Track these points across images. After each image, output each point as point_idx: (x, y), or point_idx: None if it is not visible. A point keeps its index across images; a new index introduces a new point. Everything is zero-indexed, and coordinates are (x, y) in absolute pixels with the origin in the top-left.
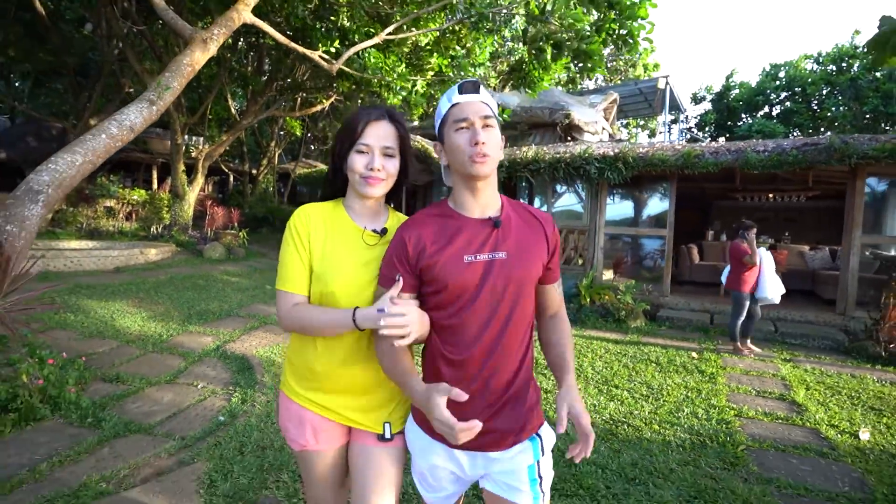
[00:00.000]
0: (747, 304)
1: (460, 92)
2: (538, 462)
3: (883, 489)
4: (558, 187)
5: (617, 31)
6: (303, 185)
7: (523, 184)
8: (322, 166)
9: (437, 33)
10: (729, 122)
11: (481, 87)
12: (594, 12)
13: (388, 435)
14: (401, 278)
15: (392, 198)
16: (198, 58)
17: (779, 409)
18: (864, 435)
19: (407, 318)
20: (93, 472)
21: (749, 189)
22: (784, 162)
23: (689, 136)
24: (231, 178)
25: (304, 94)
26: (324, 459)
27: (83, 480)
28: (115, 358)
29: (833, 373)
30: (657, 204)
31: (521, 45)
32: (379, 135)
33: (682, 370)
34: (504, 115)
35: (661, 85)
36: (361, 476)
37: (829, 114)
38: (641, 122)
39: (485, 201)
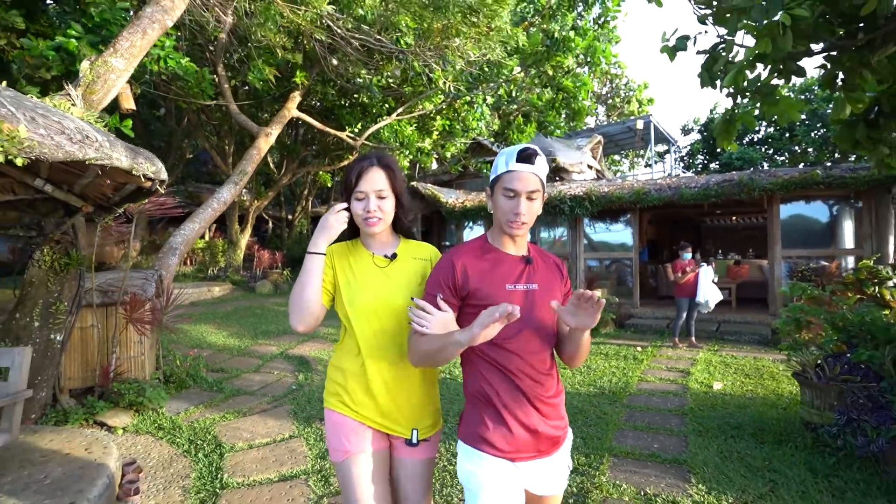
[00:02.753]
0: (686, 308)
1: (518, 160)
2: (569, 454)
3: (692, 406)
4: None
5: (565, 108)
6: None
7: None
8: None
9: (440, 103)
10: (717, 150)
11: (537, 157)
12: (550, 93)
13: (415, 440)
14: (440, 297)
15: (400, 228)
16: (262, 147)
17: (673, 377)
18: (717, 385)
19: (430, 317)
20: (228, 409)
21: (724, 213)
22: (709, 195)
23: (682, 164)
24: (270, 224)
25: (333, 154)
26: (360, 463)
27: (223, 413)
28: (215, 358)
29: (739, 356)
30: (642, 230)
31: (502, 112)
32: (371, 180)
33: (621, 359)
34: None
35: (639, 126)
36: (397, 486)
37: (802, 139)
38: (640, 154)
39: (519, 243)
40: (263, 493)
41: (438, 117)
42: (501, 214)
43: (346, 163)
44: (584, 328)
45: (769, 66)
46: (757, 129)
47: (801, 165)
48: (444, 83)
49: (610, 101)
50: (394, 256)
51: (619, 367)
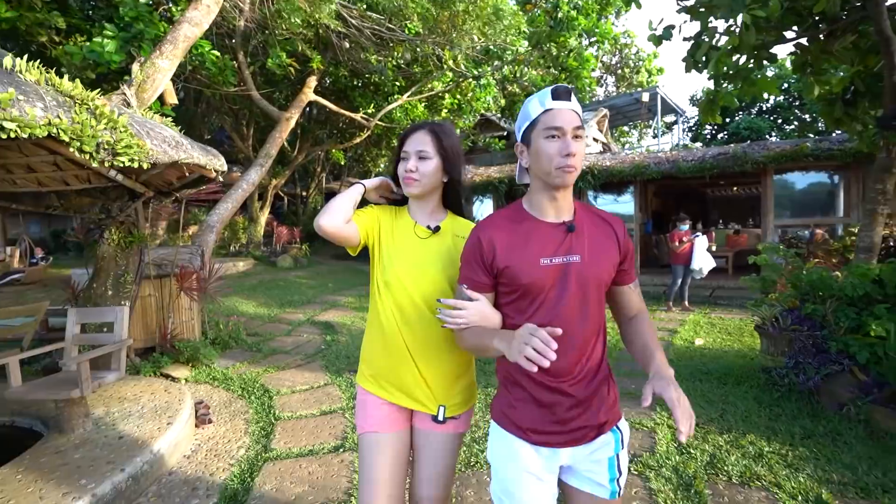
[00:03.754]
0: (680, 275)
1: (554, 97)
2: (618, 455)
3: (671, 357)
4: None
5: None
6: None
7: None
8: None
9: (449, 82)
10: (726, 120)
11: (573, 94)
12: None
13: (441, 417)
14: (465, 288)
15: (450, 200)
16: (284, 130)
17: (661, 335)
18: (699, 341)
19: (463, 312)
20: (268, 365)
21: (727, 184)
22: (705, 168)
23: (690, 135)
24: (285, 201)
25: (346, 134)
26: (378, 443)
27: (265, 368)
28: (249, 325)
29: (726, 318)
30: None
31: (507, 92)
32: (415, 142)
33: None
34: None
35: (644, 98)
36: (419, 456)
37: (810, 108)
38: (649, 125)
39: (561, 206)
40: (310, 423)
41: (447, 96)
42: (547, 161)
43: (357, 140)
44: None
45: (745, 54)
46: (766, 98)
47: (809, 134)
48: (453, 63)
49: (619, 71)
50: (437, 229)
51: (613, 328)
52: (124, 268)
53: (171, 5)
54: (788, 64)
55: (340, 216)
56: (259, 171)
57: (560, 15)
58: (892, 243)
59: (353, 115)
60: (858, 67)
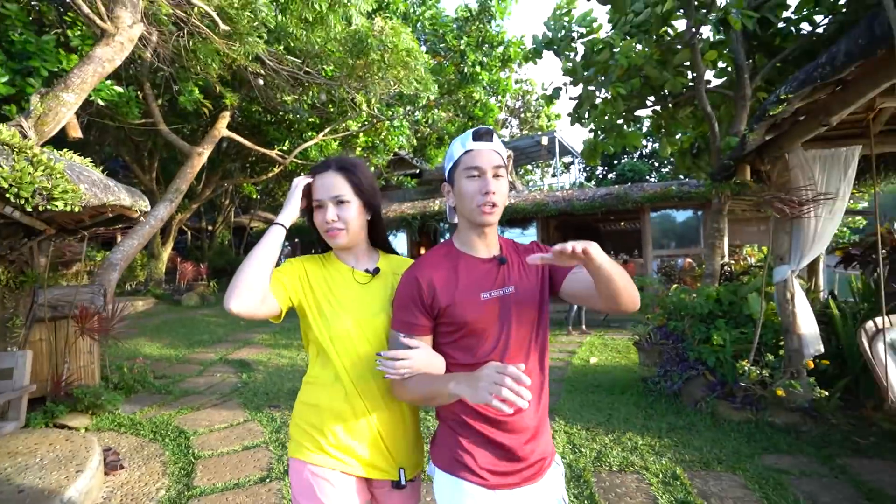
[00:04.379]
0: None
1: (475, 138)
2: (563, 487)
3: (569, 374)
4: None
5: None
6: (256, 238)
7: (441, 226)
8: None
9: (363, 122)
10: (614, 162)
11: (494, 135)
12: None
13: (403, 481)
14: (403, 337)
15: (377, 240)
16: (195, 165)
17: (562, 356)
18: (593, 360)
19: (405, 362)
20: (181, 406)
21: (616, 219)
22: (594, 206)
23: (585, 174)
24: (189, 235)
25: (258, 167)
26: None
27: (178, 409)
28: (155, 367)
29: (617, 338)
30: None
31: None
32: (326, 186)
33: None
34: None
35: (544, 141)
36: None
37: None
38: (549, 165)
39: (490, 241)
40: (233, 458)
41: (362, 135)
42: (468, 201)
43: (269, 175)
44: (585, 261)
45: (616, 115)
46: (645, 145)
47: (681, 177)
48: (367, 106)
49: (522, 115)
50: (376, 271)
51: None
52: (12, 310)
53: (67, 30)
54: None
55: (255, 295)
56: (168, 207)
57: (466, 70)
58: (727, 269)
59: (267, 151)
60: (698, 130)
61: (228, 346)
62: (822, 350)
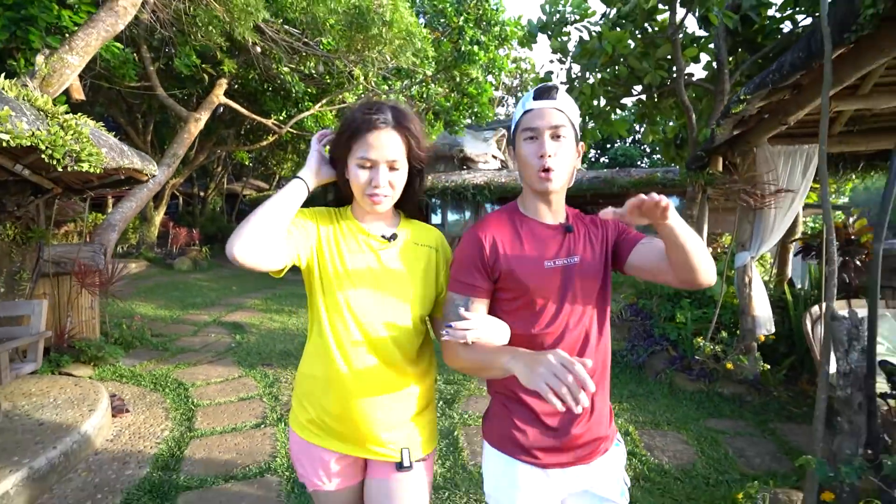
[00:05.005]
0: None
1: (535, 97)
2: (623, 468)
3: None
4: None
5: (469, 110)
6: (249, 206)
7: (433, 201)
8: (267, 189)
9: (360, 94)
10: (607, 146)
11: (560, 91)
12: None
13: (406, 462)
14: (472, 301)
15: (406, 203)
16: (192, 131)
17: None
18: None
19: (471, 330)
20: (178, 362)
21: (605, 202)
22: (582, 189)
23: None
24: (180, 200)
25: (252, 135)
26: (338, 500)
27: (175, 364)
28: (151, 326)
29: None
30: None
31: (415, 109)
32: (383, 147)
33: None
34: None
35: None
36: None
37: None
38: None
39: (556, 209)
40: (230, 408)
41: None
42: (525, 166)
43: (264, 144)
44: (660, 219)
45: (602, 101)
46: (638, 131)
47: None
48: (364, 79)
49: (519, 94)
50: (393, 237)
51: None
52: (20, 264)
53: None
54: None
55: (262, 244)
56: (166, 172)
57: (463, 48)
58: None
59: (263, 120)
60: (681, 121)
61: (221, 310)
62: (773, 330)
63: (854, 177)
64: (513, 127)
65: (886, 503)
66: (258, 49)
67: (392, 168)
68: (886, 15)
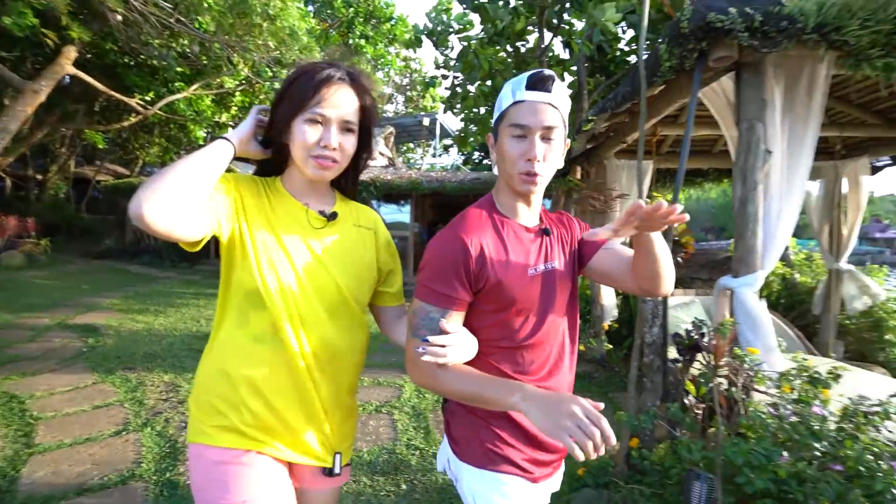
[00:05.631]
0: None
1: (528, 86)
2: None
3: None
4: None
5: None
6: (105, 193)
7: None
8: (128, 175)
9: (241, 80)
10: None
11: (555, 82)
12: None
13: (338, 468)
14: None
15: (345, 179)
16: (30, 104)
17: None
18: None
19: (449, 349)
20: (9, 373)
21: None
22: (464, 189)
23: (463, 158)
24: (7, 183)
25: (108, 113)
26: None
27: (4, 376)
28: None
29: None
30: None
31: None
32: (339, 102)
33: None
34: None
35: (425, 122)
36: None
37: None
38: (430, 144)
39: (534, 208)
40: (82, 417)
41: (239, 94)
42: (508, 164)
43: (124, 124)
44: (647, 230)
45: (482, 108)
46: None
47: None
48: (246, 67)
49: (408, 92)
50: (334, 216)
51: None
52: None
53: None
54: None
55: (180, 204)
56: None
57: (352, 41)
58: None
59: (124, 98)
60: None
61: (68, 311)
62: (617, 316)
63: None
64: (498, 114)
65: (672, 439)
66: (118, 17)
67: (345, 129)
68: (679, 68)
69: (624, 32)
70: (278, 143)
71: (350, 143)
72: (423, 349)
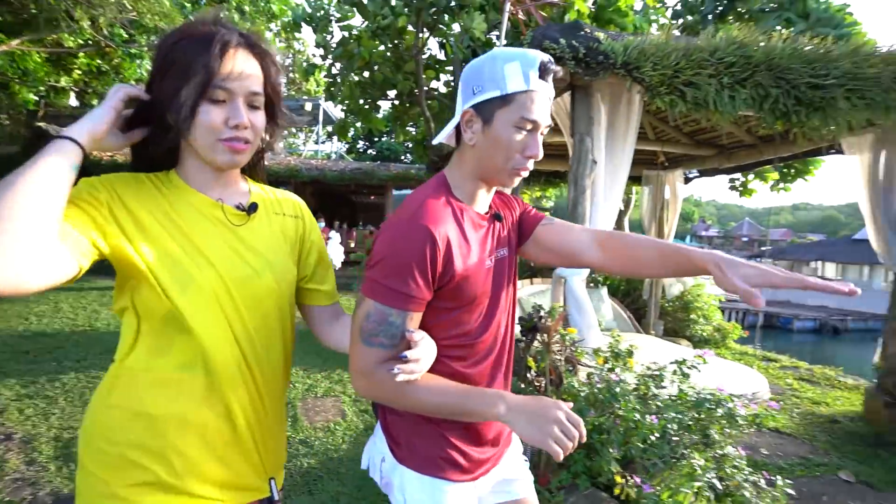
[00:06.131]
0: None
1: (542, 75)
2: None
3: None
4: None
5: None
6: None
7: None
8: None
9: (86, 40)
10: (374, 139)
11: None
12: None
13: (276, 496)
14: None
15: (256, 165)
16: None
17: None
18: None
19: (418, 363)
20: None
21: (369, 192)
22: (344, 178)
23: (347, 147)
24: None
25: None
26: None
27: None
28: None
29: (350, 297)
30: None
31: None
32: (243, 73)
33: None
34: None
35: (308, 107)
36: None
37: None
38: (312, 131)
39: (490, 194)
40: None
41: (83, 55)
42: (503, 155)
43: None
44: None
45: (360, 99)
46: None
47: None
48: (91, 25)
49: (292, 74)
50: (253, 208)
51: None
52: None
53: None
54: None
55: (20, 248)
56: None
57: (224, 14)
58: None
59: None
60: (427, 127)
61: None
62: None
63: (549, 187)
64: (496, 92)
65: None
66: None
67: (252, 106)
68: None
69: (498, 39)
70: (162, 128)
71: (260, 119)
72: (397, 369)
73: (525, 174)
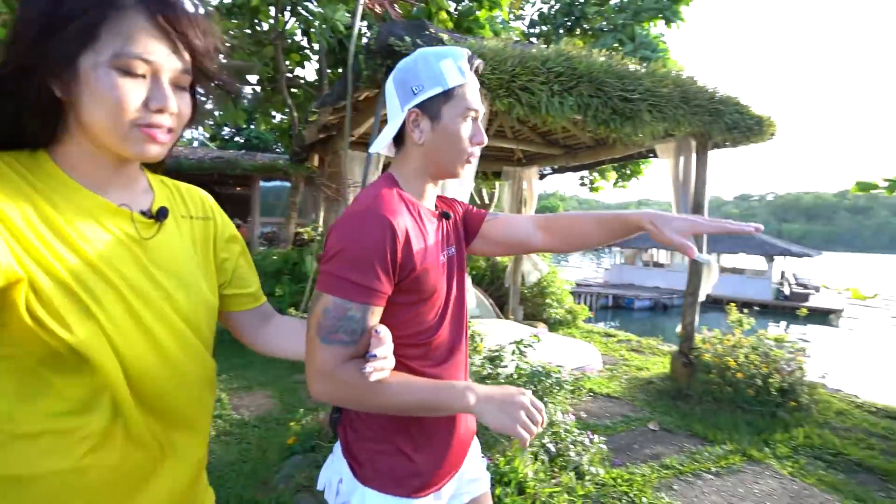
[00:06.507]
0: None
1: (471, 67)
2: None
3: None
4: None
5: None
6: None
7: None
8: None
9: None
10: (242, 127)
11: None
12: None
13: None
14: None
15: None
16: None
17: None
18: None
19: (387, 360)
20: None
21: (235, 184)
22: (204, 168)
23: (209, 134)
24: None
25: None
26: None
27: None
28: None
29: None
30: None
31: None
32: (156, 44)
33: None
34: None
35: None
36: None
37: None
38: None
39: (436, 192)
40: None
41: None
42: (456, 147)
43: None
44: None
45: None
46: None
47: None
48: None
49: None
50: (162, 214)
51: None
52: None
53: None
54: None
55: None
56: None
57: None
58: (302, 237)
59: None
60: (292, 116)
61: None
62: None
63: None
64: (439, 90)
65: None
66: None
67: (177, 86)
68: (374, 78)
69: (349, 30)
70: (34, 95)
71: (186, 104)
72: (370, 367)
73: (474, 161)
